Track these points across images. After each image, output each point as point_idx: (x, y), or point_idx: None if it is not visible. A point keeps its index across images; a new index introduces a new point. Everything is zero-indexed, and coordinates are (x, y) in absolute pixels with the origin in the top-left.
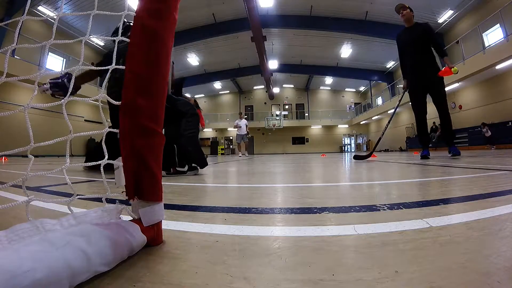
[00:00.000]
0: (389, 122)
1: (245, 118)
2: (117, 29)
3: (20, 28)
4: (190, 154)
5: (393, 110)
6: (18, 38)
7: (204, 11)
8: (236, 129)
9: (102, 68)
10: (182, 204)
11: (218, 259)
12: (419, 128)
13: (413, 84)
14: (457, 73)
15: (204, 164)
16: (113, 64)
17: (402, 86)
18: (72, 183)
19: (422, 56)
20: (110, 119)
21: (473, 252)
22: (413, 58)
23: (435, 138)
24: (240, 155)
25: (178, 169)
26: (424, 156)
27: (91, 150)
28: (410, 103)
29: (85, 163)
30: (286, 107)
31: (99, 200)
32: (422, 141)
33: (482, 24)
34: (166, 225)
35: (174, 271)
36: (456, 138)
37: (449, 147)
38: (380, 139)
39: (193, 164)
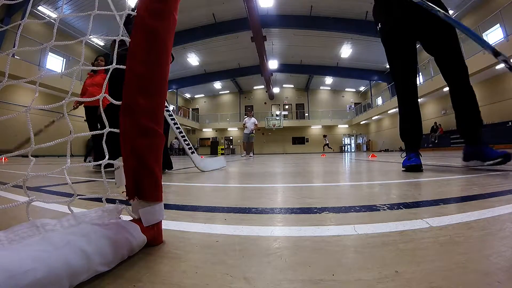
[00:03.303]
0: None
1: (252, 116)
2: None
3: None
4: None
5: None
6: (18, 39)
7: (204, 11)
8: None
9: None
10: (182, 204)
11: (218, 259)
12: (405, 108)
13: (396, 22)
14: None
15: (169, 167)
16: (113, 63)
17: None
18: (72, 183)
19: None
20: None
21: (473, 252)
22: None
23: (436, 139)
24: (243, 155)
25: None
26: (413, 168)
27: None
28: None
29: (94, 162)
30: (286, 107)
31: (99, 200)
32: (408, 136)
33: (482, 24)
34: (166, 225)
35: (174, 271)
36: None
37: (481, 147)
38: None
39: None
